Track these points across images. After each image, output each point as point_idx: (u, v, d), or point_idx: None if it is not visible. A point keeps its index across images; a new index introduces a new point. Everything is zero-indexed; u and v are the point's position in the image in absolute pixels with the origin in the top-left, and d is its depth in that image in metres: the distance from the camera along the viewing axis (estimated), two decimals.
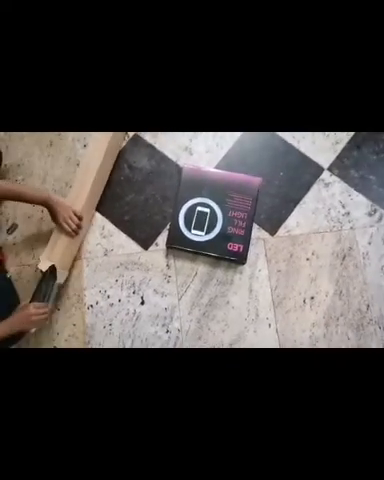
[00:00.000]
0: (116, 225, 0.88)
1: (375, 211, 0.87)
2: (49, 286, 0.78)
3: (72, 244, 0.81)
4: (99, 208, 0.88)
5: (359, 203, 0.87)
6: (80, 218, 0.79)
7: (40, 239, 0.87)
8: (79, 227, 0.80)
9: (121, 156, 0.91)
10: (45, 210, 0.88)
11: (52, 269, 0.77)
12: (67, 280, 0.84)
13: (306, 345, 0.81)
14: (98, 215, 0.88)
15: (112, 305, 0.84)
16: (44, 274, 0.78)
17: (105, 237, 0.87)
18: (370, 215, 0.87)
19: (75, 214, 0.79)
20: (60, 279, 0.78)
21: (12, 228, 0.88)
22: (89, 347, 0.82)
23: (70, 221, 0.78)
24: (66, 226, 0.77)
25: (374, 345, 0.81)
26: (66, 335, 0.83)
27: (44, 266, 0.76)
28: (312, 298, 0.83)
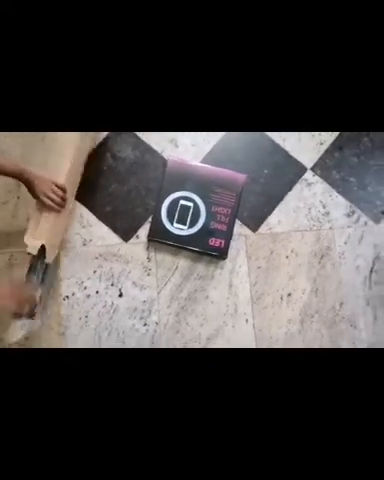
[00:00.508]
0: (97, 215, 0.85)
1: (353, 212, 0.89)
2: (37, 269, 0.72)
3: (59, 219, 0.75)
4: (79, 197, 0.85)
5: (339, 204, 0.90)
6: (64, 190, 0.73)
7: (15, 226, 0.84)
8: (64, 200, 0.73)
9: (105, 145, 0.88)
10: (21, 196, 0.85)
11: (42, 249, 0.71)
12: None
13: (281, 341, 0.83)
14: (78, 204, 0.85)
15: (89, 296, 0.82)
16: (34, 257, 0.72)
17: (84, 227, 0.85)
18: (348, 216, 0.89)
19: (57, 186, 0.72)
20: (49, 259, 0.73)
21: None
22: (63, 338, 0.80)
23: (52, 195, 0.71)
24: (48, 200, 0.71)
25: (345, 342, 0.84)
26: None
27: (33, 249, 0.69)
28: (289, 295, 0.85)
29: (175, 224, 0.82)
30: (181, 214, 0.83)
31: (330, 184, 0.90)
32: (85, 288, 0.83)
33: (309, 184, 0.90)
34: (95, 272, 0.83)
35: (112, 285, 0.83)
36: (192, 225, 0.82)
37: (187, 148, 0.89)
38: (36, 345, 0.80)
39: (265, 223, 0.88)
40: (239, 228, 0.86)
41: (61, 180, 0.74)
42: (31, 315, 0.71)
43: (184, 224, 0.82)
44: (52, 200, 0.72)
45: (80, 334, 0.81)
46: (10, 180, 0.84)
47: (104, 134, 0.89)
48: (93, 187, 0.86)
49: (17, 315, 0.69)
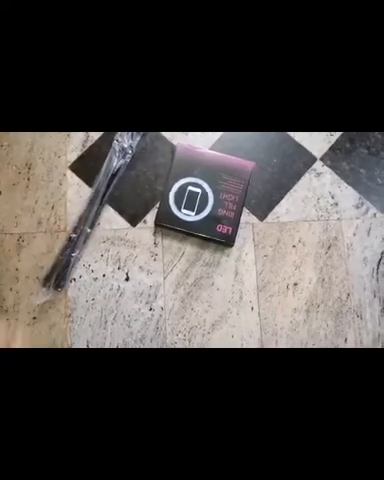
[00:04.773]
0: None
1: (362, 204, 0.89)
2: None
3: None
4: (87, 180, 0.86)
5: (348, 195, 0.89)
6: None
7: (25, 208, 0.84)
8: None
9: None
10: (31, 178, 0.86)
11: None
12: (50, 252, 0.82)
13: (286, 330, 0.83)
14: (86, 187, 0.86)
15: (96, 279, 0.83)
16: None
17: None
18: (357, 207, 0.89)
19: None
20: None
21: None
22: (70, 320, 0.81)
23: None
24: None
25: (351, 333, 0.83)
26: (46, 307, 0.81)
27: None
28: (295, 284, 0.85)
29: (183, 210, 0.82)
30: (189, 200, 0.83)
31: (339, 175, 0.90)
32: (92, 271, 0.83)
33: (318, 174, 0.89)
34: (102, 256, 0.84)
35: (119, 269, 0.84)
36: (200, 211, 0.82)
37: (196, 136, 0.89)
38: (44, 325, 0.81)
39: (273, 212, 0.87)
40: (246, 216, 0.86)
41: None
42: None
43: (192, 210, 0.82)
44: None
45: (86, 316, 0.82)
46: (20, 161, 0.86)
47: None
48: (100, 171, 0.86)
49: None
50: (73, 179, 0.86)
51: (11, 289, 0.82)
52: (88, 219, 0.82)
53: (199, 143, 0.89)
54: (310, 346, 0.82)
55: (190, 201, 0.83)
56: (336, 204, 0.88)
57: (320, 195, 0.89)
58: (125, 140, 0.85)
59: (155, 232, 0.85)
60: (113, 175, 0.84)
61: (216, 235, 0.82)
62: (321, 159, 0.90)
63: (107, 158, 0.85)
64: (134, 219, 0.85)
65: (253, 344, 0.82)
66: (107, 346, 0.81)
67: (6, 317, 0.80)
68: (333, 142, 0.91)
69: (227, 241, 0.82)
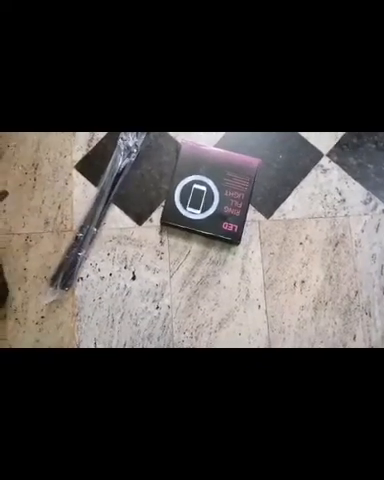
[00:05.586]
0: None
1: (370, 200, 0.87)
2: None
3: None
4: (93, 180, 0.86)
5: (355, 191, 0.88)
6: None
7: (32, 208, 0.85)
8: None
9: None
10: (38, 178, 0.86)
11: None
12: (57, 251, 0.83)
13: (294, 327, 0.82)
14: (92, 187, 0.86)
15: (103, 278, 0.83)
16: None
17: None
18: (365, 203, 0.87)
19: None
20: None
21: (2, 195, 0.85)
22: (77, 319, 0.82)
23: None
24: None
25: (359, 330, 0.82)
26: (54, 306, 0.82)
27: None
28: (303, 282, 0.84)
29: (188, 208, 0.82)
30: (194, 198, 0.82)
31: (346, 171, 0.88)
32: (99, 270, 0.84)
33: (325, 170, 0.88)
34: (109, 255, 0.84)
35: (125, 268, 0.84)
36: (205, 209, 0.82)
37: (201, 133, 0.89)
38: (52, 323, 0.82)
39: (279, 209, 0.87)
40: (252, 214, 0.86)
41: None
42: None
43: (197, 208, 0.82)
44: None
45: (94, 315, 0.82)
46: (27, 162, 0.87)
47: None
48: (106, 170, 0.86)
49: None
50: (79, 179, 0.87)
51: (19, 289, 0.83)
52: (94, 218, 0.82)
53: (204, 140, 0.88)
54: (318, 344, 0.82)
55: (196, 199, 0.82)
56: (343, 200, 0.87)
57: (327, 191, 0.87)
58: (130, 138, 0.85)
59: (161, 231, 0.85)
60: (118, 174, 0.84)
61: (222, 233, 0.81)
62: (328, 155, 0.89)
63: (112, 157, 0.85)
64: (140, 218, 0.86)
65: (260, 342, 0.82)
66: (114, 344, 0.81)
67: (15, 316, 0.81)
68: (340, 137, 0.90)
69: (233, 239, 0.82)
